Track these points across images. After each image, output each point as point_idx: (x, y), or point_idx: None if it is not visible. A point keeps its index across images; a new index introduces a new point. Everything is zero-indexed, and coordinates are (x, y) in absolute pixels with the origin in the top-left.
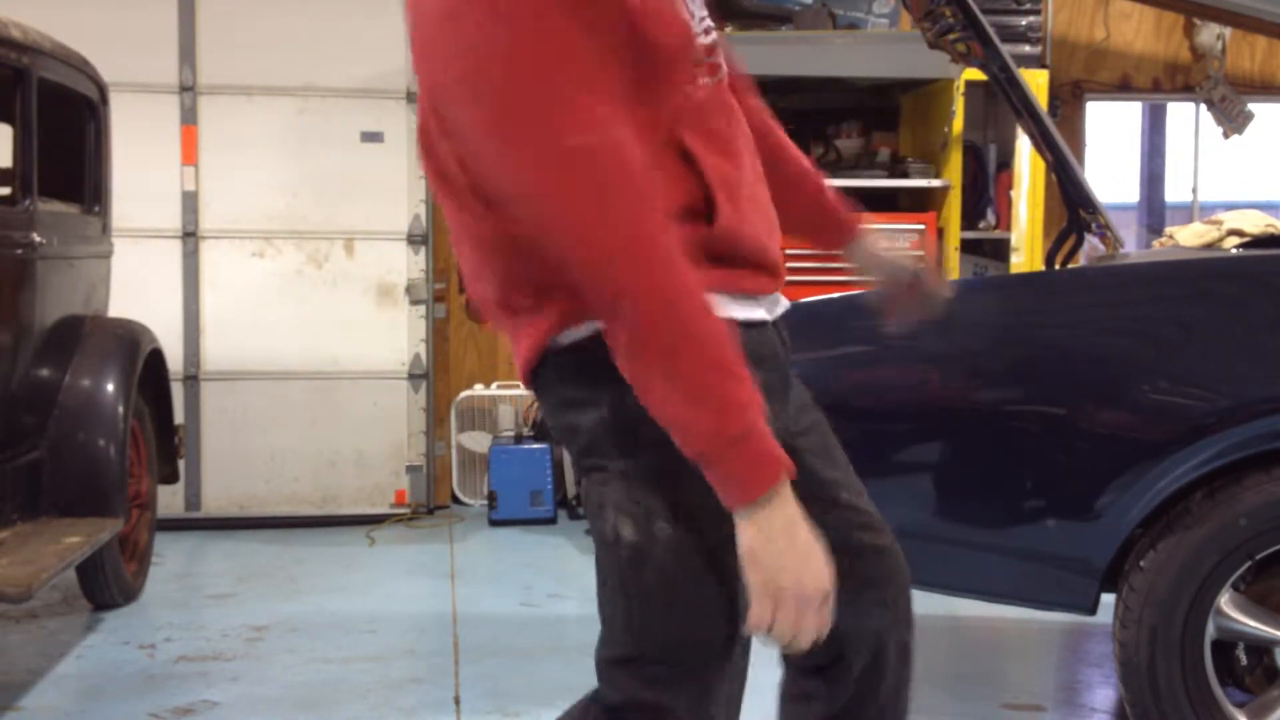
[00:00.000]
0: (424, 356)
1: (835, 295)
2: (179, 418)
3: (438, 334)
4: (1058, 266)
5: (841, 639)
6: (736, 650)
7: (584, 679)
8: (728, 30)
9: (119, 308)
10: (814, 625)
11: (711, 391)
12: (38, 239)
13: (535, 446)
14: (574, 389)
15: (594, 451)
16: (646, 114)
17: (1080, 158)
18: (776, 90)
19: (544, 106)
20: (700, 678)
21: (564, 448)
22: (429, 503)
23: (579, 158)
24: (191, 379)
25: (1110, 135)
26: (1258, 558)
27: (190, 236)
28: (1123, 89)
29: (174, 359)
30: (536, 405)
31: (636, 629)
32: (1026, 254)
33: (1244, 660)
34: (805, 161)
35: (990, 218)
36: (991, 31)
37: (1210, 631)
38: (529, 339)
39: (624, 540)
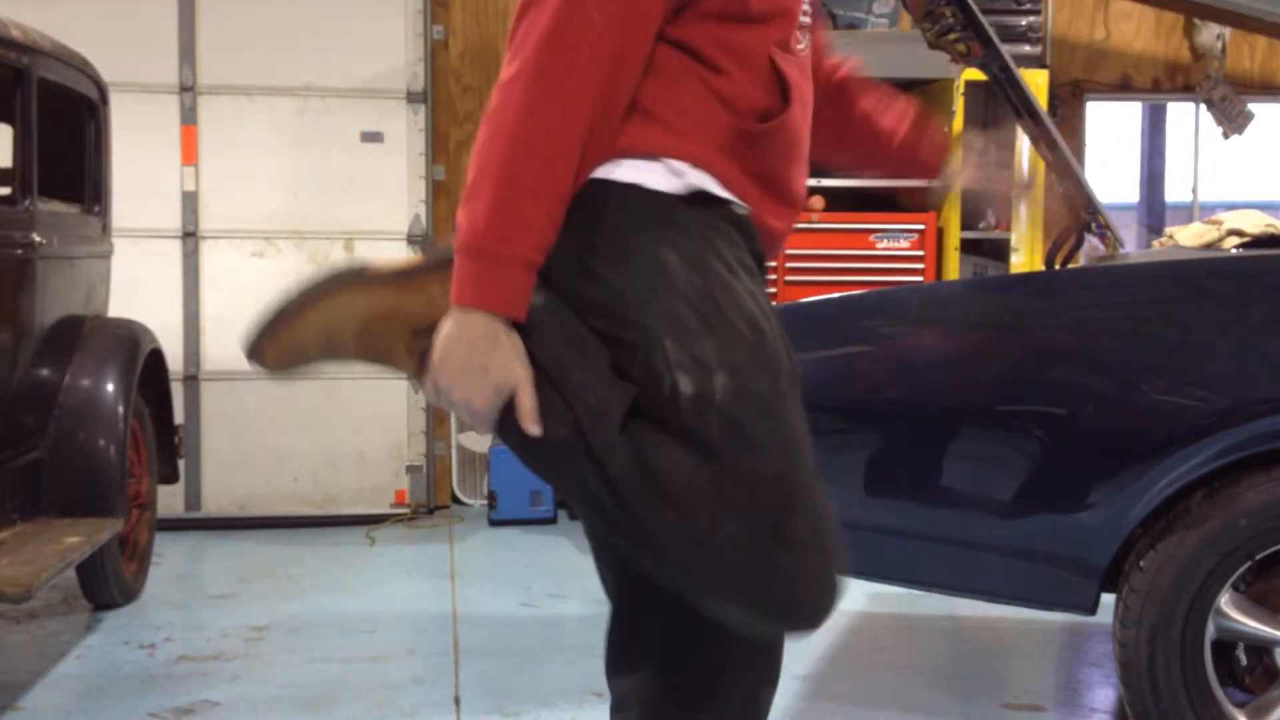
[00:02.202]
0: None
1: (835, 295)
2: (179, 418)
3: None
4: (1058, 266)
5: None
6: None
7: (584, 679)
8: None
9: (119, 308)
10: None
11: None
12: (38, 239)
13: None
14: None
15: None
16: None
17: (1080, 158)
18: None
19: None
20: None
21: None
22: (429, 503)
23: None
24: (191, 379)
25: (1110, 135)
26: (1258, 558)
27: (190, 236)
28: (1123, 89)
29: (174, 359)
30: None
31: None
32: (1026, 254)
33: (1244, 660)
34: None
35: (990, 218)
36: (991, 31)
37: (1210, 631)
38: None
39: None
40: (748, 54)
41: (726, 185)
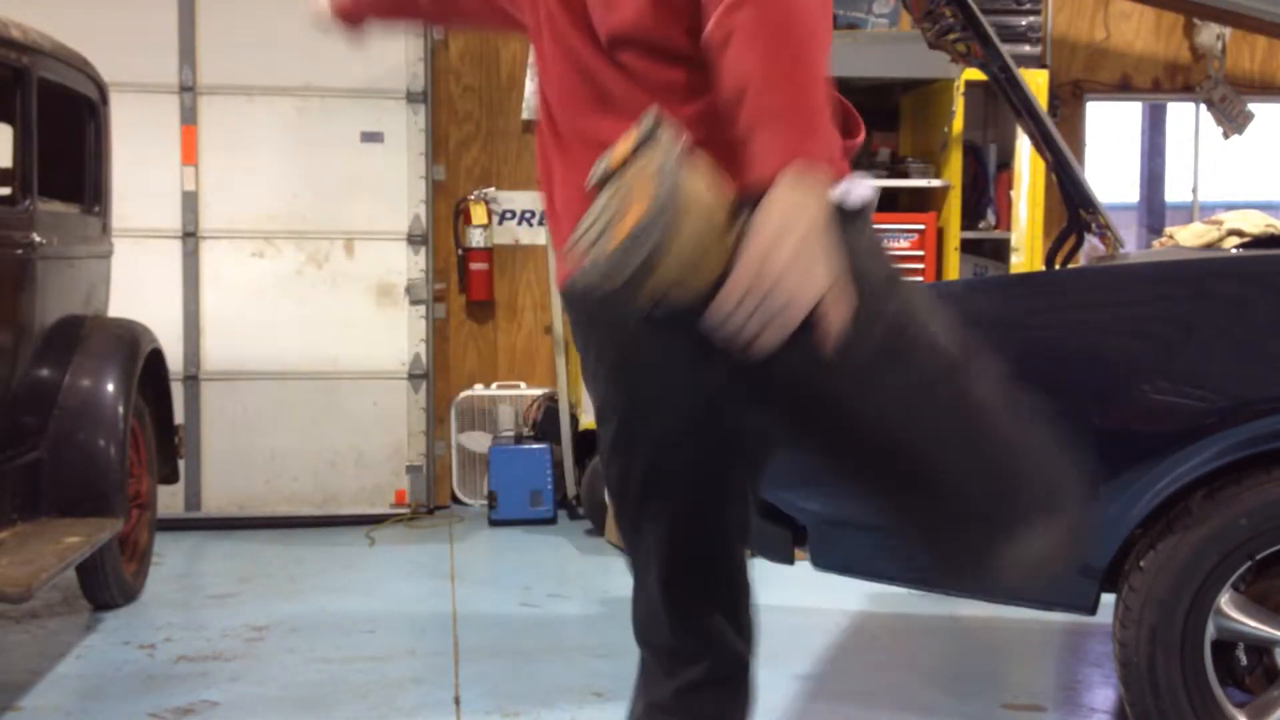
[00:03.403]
0: (424, 356)
1: None
2: (179, 418)
3: (438, 334)
4: (1058, 266)
5: None
6: None
7: (584, 679)
8: None
9: (119, 308)
10: (768, 330)
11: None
12: (38, 239)
13: (535, 447)
14: None
15: None
16: None
17: (1080, 158)
18: None
19: None
20: None
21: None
22: (429, 503)
23: None
24: (191, 379)
25: (1110, 135)
26: (1258, 558)
27: (190, 236)
28: (1123, 89)
29: (174, 359)
30: (537, 405)
31: None
32: (1026, 254)
33: (1244, 660)
34: None
35: (990, 218)
36: (991, 31)
37: (1210, 631)
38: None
39: None
40: None
41: None
